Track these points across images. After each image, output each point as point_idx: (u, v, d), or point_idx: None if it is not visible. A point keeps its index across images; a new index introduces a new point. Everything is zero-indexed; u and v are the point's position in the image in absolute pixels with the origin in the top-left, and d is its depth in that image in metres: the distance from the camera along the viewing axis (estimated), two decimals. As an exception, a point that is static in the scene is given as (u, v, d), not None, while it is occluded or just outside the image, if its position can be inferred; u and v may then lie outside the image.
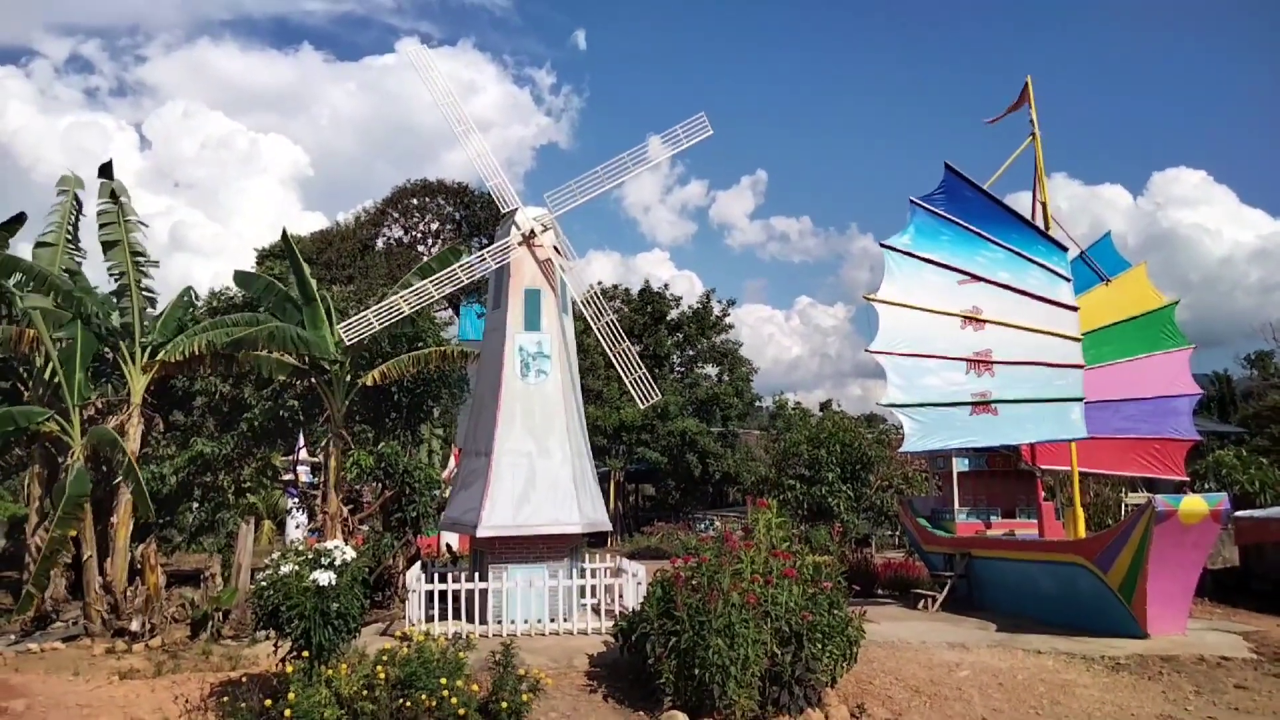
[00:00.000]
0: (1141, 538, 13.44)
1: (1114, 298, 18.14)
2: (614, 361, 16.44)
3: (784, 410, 40.75)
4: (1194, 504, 13.36)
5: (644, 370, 16.28)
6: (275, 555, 10.37)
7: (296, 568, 9.77)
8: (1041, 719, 10.42)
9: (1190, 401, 17.89)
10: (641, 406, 16.81)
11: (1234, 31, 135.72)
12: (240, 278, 20.54)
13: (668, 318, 42.67)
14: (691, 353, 44.09)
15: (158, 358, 17.01)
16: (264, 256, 39.48)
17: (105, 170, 17.04)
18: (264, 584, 9.87)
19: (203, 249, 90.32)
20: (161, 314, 18.26)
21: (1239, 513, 20.04)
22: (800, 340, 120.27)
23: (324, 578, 9.56)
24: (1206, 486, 27.01)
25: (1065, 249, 16.85)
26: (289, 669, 9.36)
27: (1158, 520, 13.18)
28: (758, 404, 49.56)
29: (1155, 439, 17.78)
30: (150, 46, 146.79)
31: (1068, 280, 16.36)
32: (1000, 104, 18.56)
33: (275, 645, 10.57)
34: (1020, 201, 18.10)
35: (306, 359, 18.16)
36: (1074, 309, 16.19)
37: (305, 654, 9.44)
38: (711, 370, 44.19)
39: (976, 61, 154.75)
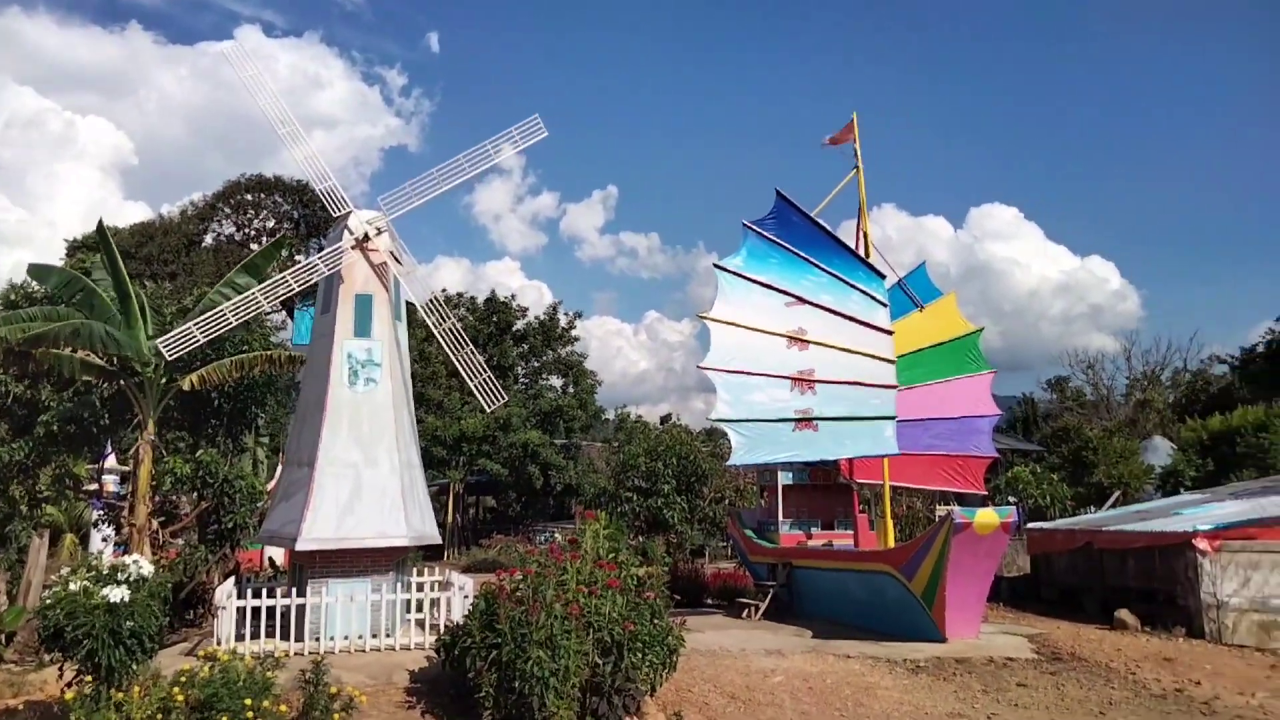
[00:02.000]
0: (941, 548, 14.43)
1: (926, 323, 19.46)
2: (457, 367, 16.15)
3: (626, 423, 41.31)
4: (987, 516, 14.46)
5: (489, 374, 16.07)
6: (65, 571, 9.65)
7: (86, 584, 9.12)
8: (845, 720, 11.02)
9: (990, 421, 19.44)
10: (488, 410, 16.60)
11: (1044, 77, 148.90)
12: (36, 271, 18.67)
13: (513, 328, 42.44)
14: (537, 364, 44.03)
15: (-62, 355, 15.47)
16: (75, 248, 36.73)
17: None
18: (48, 602, 9.17)
19: (5, 237, 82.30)
20: (-55, 307, 16.62)
21: (1030, 524, 21.85)
22: (648, 354, 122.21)
23: (116, 594, 8.96)
24: (1008, 500, 29.29)
25: (884, 276, 17.96)
26: (69, 696, 8.71)
27: (955, 531, 14.19)
28: (602, 416, 50.02)
29: (959, 455, 19.19)
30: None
31: (884, 305, 17.43)
32: (835, 126, 19.76)
33: (60, 669, 9.80)
34: (849, 229, 19.22)
35: (115, 360, 16.93)
36: (889, 333, 17.26)
37: (90, 678, 8.82)
38: (556, 382, 44.26)
39: (817, 89, 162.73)
